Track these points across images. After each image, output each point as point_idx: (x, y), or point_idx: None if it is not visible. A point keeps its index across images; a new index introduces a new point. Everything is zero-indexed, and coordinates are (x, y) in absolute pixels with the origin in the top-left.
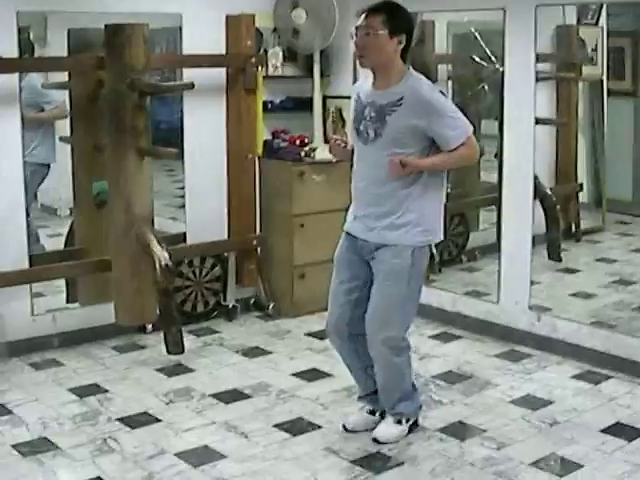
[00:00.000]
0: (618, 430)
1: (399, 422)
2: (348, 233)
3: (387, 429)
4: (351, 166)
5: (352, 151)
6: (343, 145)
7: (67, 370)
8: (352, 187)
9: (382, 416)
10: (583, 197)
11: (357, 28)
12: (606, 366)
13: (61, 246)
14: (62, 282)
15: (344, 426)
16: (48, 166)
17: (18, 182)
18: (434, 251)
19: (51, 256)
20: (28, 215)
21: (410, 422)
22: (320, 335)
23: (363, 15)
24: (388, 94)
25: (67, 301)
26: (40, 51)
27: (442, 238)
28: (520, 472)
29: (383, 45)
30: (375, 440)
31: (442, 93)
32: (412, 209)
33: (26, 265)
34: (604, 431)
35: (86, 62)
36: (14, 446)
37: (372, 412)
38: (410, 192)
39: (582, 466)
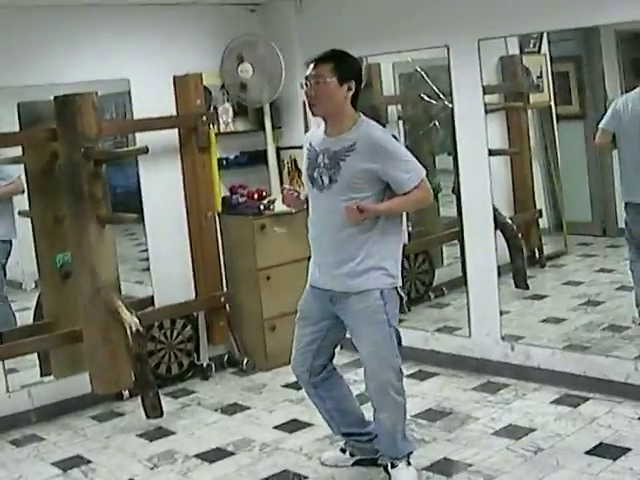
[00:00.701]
0: (602, 450)
1: (409, 463)
2: (312, 286)
3: (403, 473)
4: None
5: (306, 200)
6: (296, 194)
7: (48, 444)
8: (309, 236)
9: (352, 455)
10: (543, 223)
11: (307, 78)
12: (583, 388)
13: (30, 320)
14: (34, 356)
15: (320, 459)
16: (10, 242)
17: None
18: (402, 294)
19: (21, 331)
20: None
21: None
22: (296, 386)
23: (312, 65)
24: (341, 140)
25: (41, 375)
26: None
27: (400, 284)
28: None
29: (333, 93)
30: None
31: (394, 137)
32: (372, 253)
33: None
34: (589, 453)
35: (39, 135)
36: None
37: (343, 450)
38: (369, 236)
39: None
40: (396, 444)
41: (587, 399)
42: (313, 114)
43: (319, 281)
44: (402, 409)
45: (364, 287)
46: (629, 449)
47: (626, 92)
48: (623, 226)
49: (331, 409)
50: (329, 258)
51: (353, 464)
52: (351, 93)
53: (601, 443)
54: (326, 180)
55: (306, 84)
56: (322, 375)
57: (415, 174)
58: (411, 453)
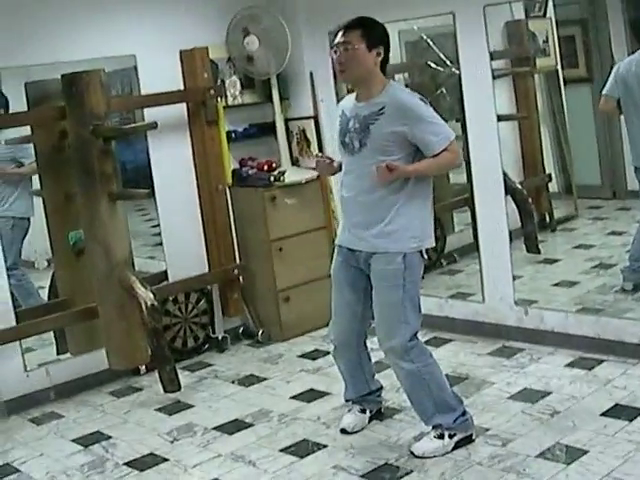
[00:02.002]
0: (618, 412)
1: (440, 437)
2: (340, 246)
3: (425, 443)
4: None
5: (340, 166)
6: (328, 161)
7: (67, 421)
8: (340, 199)
9: (374, 414)
10: (553, 187)
11: (336, 45)
12: (597, 351)
13: (45, 299)
14: (51, 334)
15: (343, 430)
16: (28, 220)
17: None
18: (425, 256)
19: (37, 310)
20: (15, 270)
21: (456, 438)
22: (312, 356)
23: (341, 32)
24: (370, 105)
25: (58, 353)
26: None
27: (434, 244)
28: (527, 465)
29: (362, 58)
30: (411, 453)
31: (422, 100)
32: (400, 214)
33: (13, 322)
34: (604, 414)
35: (47, 114)
36: None
37: (363, 411)
38: (398, 198)
39: (587, 451)
40: (421, 411)
41: (601, 361)
42: (343, 80)
43: (345, 240)
44: (417, 377)
45: (388, 249)
46: None
47: (632, 54)
48: (634, 189)
49: (369, 372)
50: (357, 219)
51: (369, 421)
52: (380, 59)
53: (616, 404)
54: (357, 144)
55: (335, 51)
56: (357, 343)
57: (443, 136)
58: (440, 426)
